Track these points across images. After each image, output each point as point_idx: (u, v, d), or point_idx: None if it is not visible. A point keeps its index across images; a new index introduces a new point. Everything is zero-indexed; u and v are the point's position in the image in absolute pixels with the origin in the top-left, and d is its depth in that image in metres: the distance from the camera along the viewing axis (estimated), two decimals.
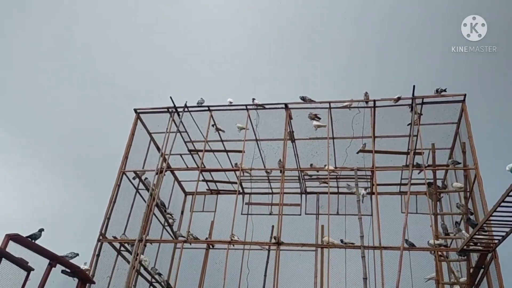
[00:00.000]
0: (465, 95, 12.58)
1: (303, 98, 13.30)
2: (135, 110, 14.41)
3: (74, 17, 26.20)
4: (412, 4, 23.74)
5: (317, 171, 14.18)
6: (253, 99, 13.72)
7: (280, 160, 13.42)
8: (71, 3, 26.20)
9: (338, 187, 15.04)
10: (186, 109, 14.14)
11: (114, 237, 12.72)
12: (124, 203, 13.48)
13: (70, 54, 25.78)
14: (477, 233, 9.60)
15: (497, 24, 16.48)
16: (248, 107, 13.77)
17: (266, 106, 13.70)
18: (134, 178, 13.90)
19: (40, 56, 25.21)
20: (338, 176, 14.61)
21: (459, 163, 12.50)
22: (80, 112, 24.82)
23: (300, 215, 14.94)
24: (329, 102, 13.32)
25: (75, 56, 25.72)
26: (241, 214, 15.03)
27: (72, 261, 9.74)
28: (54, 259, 9.05)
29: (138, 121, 14.39)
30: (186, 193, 16.57)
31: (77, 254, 9.97)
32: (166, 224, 14.66)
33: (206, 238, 14.14)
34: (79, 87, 25.29)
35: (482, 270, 10.75)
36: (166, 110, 14.22)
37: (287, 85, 22.39)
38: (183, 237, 12.84)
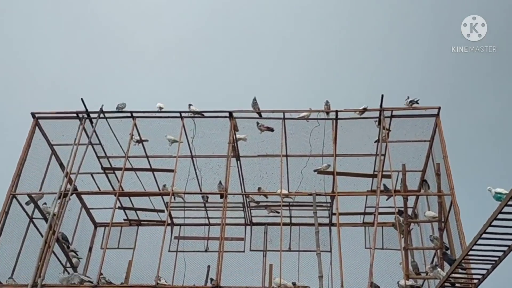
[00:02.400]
0: (439, 108, 11.87)
1: (254, 100, 12.16)
2: (33, 114, 12.38)
3: None
4: (412, 4, 24.81)
5: (266, 196, 13.06)
6: (190, 105, 12.40)
7: (220, 182, 12.18)
8: None
9: (291, 216, 13.85)
10: (101, 115, 12.45)
11: None
12: (14, 236, 11.77)
13: None
14: (454, 271, 8.92)
15: (497, 24, 17.71)
16: (183, 114, 12.43)
17: (206, 114, 12.46)
18: (28, 204, 12.05)
19: None
20: (291, 203, 13.43)
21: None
22: None
23: (243, 251, 13.76)
24: (283, 112, 12.21)
25: None
26: (169, 251, 13.46)
27: None
28: None
29: (37, 128, 12.43)
30: (96, 225, 14.64)
31: None
32: (68, 265, 12.78)
33: (122, 283, 12.29)
34: None
35: None
36: (75, 115, 12.42)
37: (232, 91, 21.64)
38: (91, 282, 10.86)
